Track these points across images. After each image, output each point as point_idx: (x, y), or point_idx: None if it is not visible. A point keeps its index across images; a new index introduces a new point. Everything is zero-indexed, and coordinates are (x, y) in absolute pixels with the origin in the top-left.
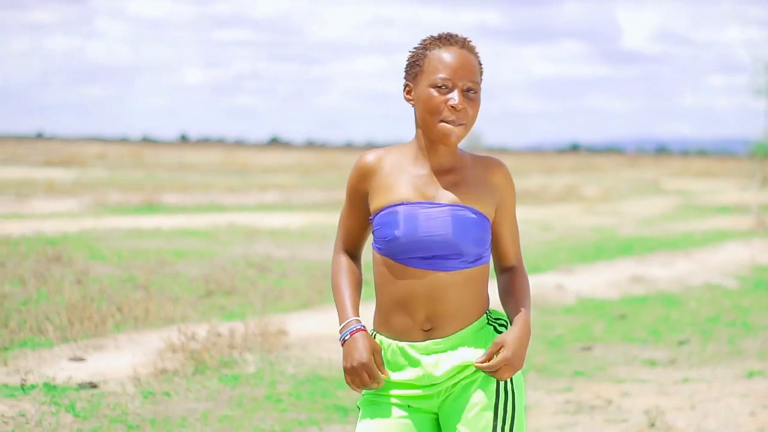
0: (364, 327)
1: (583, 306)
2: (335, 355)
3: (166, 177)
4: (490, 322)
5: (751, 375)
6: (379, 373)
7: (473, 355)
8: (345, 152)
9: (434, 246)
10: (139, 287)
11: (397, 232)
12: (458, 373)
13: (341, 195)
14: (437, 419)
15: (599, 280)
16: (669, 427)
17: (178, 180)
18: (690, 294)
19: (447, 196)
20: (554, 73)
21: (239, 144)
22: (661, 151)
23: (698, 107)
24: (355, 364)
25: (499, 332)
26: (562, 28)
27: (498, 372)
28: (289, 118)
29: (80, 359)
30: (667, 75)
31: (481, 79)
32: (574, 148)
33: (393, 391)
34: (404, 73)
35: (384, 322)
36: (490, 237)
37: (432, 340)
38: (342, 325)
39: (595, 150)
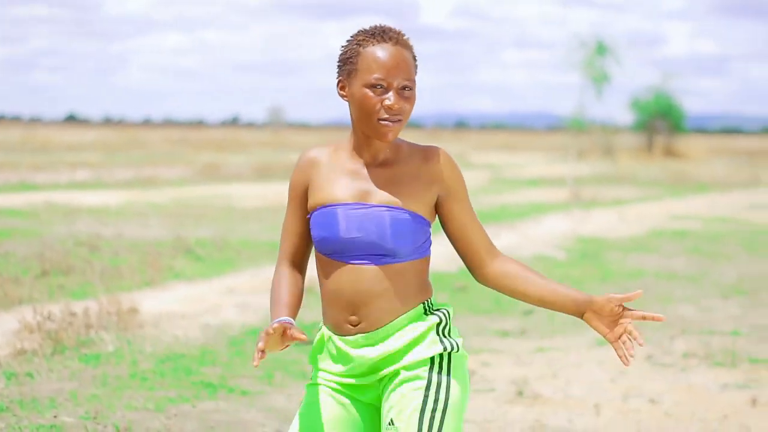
0: (289, 321)
1: None
2: (189, 332)
3: None
4: (428, 311)
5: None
6: (264, 341)
7: (402, 342)
8: (144, 129)
9: (358, 246)
10: None
11: (322, 233)
12: (385, 362)
13: (151, 172)
14: (379, 411)
15: (433, 253)
16: (537, 395)
17: None
18: None
19: (375, 196)
20: None
21: (36, 121)
22: (460, 125)
23: (497, 82)
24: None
25: (438, 317)
26: (361, 3)
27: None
28: (86, 95)
29: None
30: (465, 51)
31: (416, 73)
32: None
33: (333, 379)
34: (337, 69)
35: (324, 314)
36: (424, 232)
37: (361, 335)
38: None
39: None
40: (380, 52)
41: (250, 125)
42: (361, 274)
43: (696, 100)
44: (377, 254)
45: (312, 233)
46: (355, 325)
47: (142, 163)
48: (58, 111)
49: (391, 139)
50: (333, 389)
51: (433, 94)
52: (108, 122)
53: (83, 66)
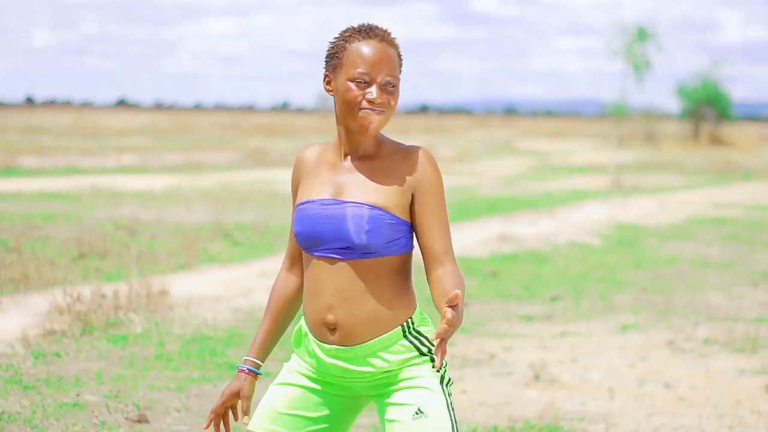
0: (247, 370)
1: None
2: (219, 314)
3: (19, 140)
4: (407, 335)
5: (625, 329)
6: (216, 414)
7: (378, 367)
8: (195, 114)
9: (328, 240)
10: (11, 250)
11: (297, 229)
12: (363, 378)
13: (199, 157)
14: (352, 401)
15: (467, 239)
16: (553, 379)
17: (32, 143)
18: (557, 252)
19: (349, 191)
20: (404, 35)
21: (87, 106)
22: (510, 111)
23: (548, 69)
24: (219, 396)
25: (419, 349)
26: None
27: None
28: (137, 80)
29: None
30: (517, 37)
31: (401, 71)
32: (424, 109)
33: (307, 367)
34: (324, 64)
35: (304, 309)
36: (401, 230)
37: (335, 346)
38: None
39: (444, 111)
40: (365, 48)
41: (300, 110)
42: (336, 270)
43: (748, 87)
44: (347, 248)
45: (293, 229)
46: (331, 329)
47: (190, 148)
48: (110, 96)
49: (372, 132)
50: (306, 376)
51: (483, 80)
52: (159, 107)
53: (134, 51)
